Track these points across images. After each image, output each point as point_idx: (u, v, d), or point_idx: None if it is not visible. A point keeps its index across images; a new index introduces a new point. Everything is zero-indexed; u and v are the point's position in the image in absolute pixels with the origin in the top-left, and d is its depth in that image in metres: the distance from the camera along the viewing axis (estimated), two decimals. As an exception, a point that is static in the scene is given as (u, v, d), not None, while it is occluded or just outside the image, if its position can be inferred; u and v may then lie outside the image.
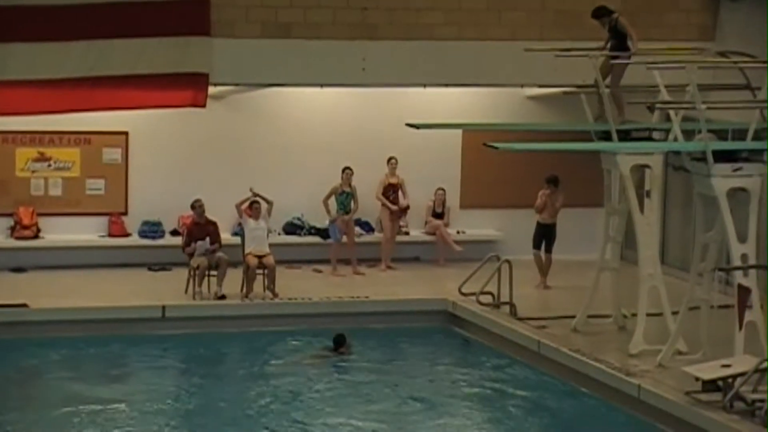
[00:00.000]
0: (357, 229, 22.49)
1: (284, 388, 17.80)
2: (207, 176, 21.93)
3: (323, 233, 22.54)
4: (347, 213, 22.01)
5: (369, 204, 22.37)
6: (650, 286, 17.98)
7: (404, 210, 22.46)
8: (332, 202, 22.00)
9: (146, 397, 17.39)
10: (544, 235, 21.41)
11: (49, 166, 21.84)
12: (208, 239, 20.40)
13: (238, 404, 17.15)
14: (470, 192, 23.18)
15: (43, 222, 21.76)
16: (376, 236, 22.69)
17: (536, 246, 21.41)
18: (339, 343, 19.21)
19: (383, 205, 22.38)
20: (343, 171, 21.93)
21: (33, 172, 21.82)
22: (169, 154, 22.10)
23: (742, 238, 16.85)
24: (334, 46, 20.91)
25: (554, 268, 21.51)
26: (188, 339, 19.72)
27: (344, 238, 22.06)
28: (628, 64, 18.38)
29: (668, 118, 18.23)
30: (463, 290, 20.59)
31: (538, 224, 21.44)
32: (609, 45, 18.77)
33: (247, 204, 20.79)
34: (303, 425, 16.40)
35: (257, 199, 20.77)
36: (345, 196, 22.02)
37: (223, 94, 21.82)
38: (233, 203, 20.97)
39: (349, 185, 22.02)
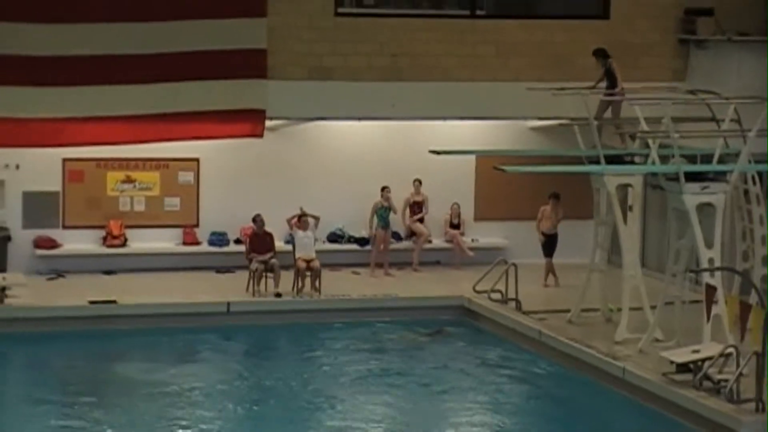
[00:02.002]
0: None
1: (327, 370, 17.86)
2: (264, 194, 21.87)
3: (360, 242, 22.54)
4: (386, 225, 21.95)
5: (397, 218, 22.30)
6: (632, 285, 17.97)
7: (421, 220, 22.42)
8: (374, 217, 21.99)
9: (214, 378, 17.46)
10: (550, 243, 21.30)
11: (134, 186, 21.87)
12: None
13: (289, 384, 17.20)
14: (482, 207, 23.07)
15: (129, 233, 21.79)
16: (404, 244, 22.62)
17: (547, 254, 21.20)
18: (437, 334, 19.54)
19: (410, 218, 22.45)
20: (382, 190, 21.88)
21: (121, 191, 21.83)
22: (232, 177, 22.10)
23: (709, 245, 16.84)
24: (368, 87, 20.91)
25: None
26: (249, 330, 19.75)
27: (381, 246, 22.05)
28: (622, 100, 18.38)
29: (647, 145, 18.19)
30: (477, 289, 20.54)
31: (544, 234, 21.31)
32: (605, 85, 18.76)
33: (296, 218, 20.87)
34: (339, 400, 16.48)
35: (305, 213, 20.84)
36: (384, 210, 21.97)
37: (277, 127, 21.81)
38: (285, 217, 21.03)
39: (388, 201, 21.99)
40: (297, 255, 20.61)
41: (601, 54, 19.01)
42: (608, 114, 18.91)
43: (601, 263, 18.89)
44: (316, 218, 21.02)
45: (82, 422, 15.51)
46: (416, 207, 22.49)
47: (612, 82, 18.77)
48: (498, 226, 22.93)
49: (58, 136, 20.22)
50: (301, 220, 20.81)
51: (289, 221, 20.98)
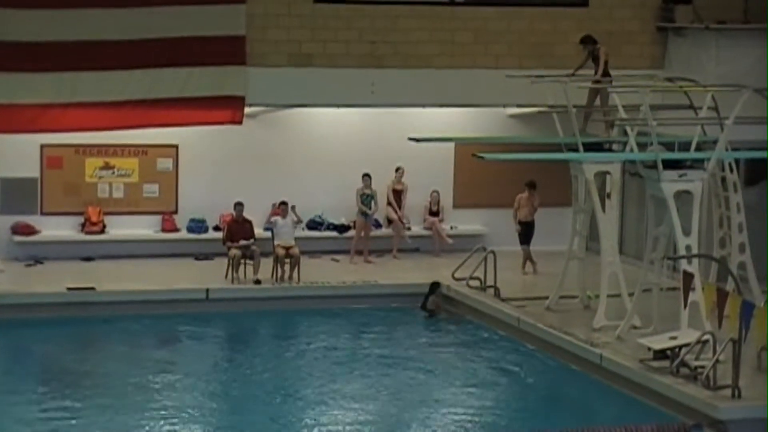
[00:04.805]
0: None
1: (306, 356, 17.88)
2: (243, 181, 21.86)
3: (339, 228, 22.53)
4: (366, 213, 21.95)
5: (382, 207, 22.33)
6: (610, 272, 18.00)
7: (399, 220, 22.38)
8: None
9: (193, 365, 17.46)
10: (527, 232, 21.35)
11: (113, 173, 21.80)
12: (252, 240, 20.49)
13: (266, 370, 17.20)
14: (461, 194, 23.09)
15: (107, 219, 21.73)
16: (384, 231, 22.61)
17: (524, 242, 21.29)
18: (433, 289, 19.82)
19: (390, 206, 22.41)
20: (363, 177, 21.88)
21: (100, 178, 21.76)
22: (211, 164, 22.04)
23: (686, 232, 16.88)
24: (348, 74, 20.91)
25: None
26: (227, 316, 19.76)
27: (362, 233, 22.05)
28: (605, 88, 18.40)
29: (625, 133, 18.22)
30: (456, 276, 20.55)
31: (521, 223, 21.36)
32: (593, 72, 18.74)
33: (276, 205, 20.84)
34: (319, 386, 16.49)
35: (285, 200, 20.83)
36: (365, 197, 21.99)
37: (256, 114, 21.78)
38: (265, 204, 21.00)
39: (370, 188, 22.00)
40: (276, 242, 20.58)
41: (588, 41, 18.99)
42: (597, 102, 18.92)
43: (579, 250, 18.93)
44: (300, 221, 20.98)
45: (58, 409, 15.48)
46: (395, 195, 22.45)
47: (605, 69, 18.76)
48: (477, 213, 22.93)
49: (37, 122, 20.18)
50: (281, 207, 20.80)
51: (268, 221, 20.98)
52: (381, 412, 15.82)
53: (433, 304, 20.09)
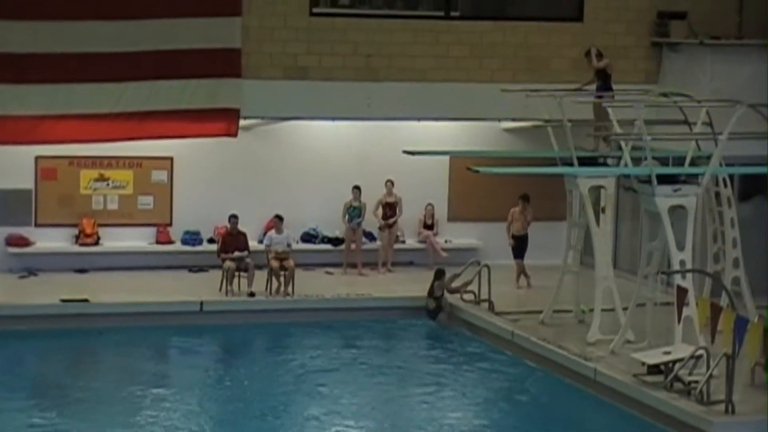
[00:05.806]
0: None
1: (299, 369, 17.83)
2: (237, 194, 21.88)
3: (334, 241, 22.52)
4: (356, 225, 21.91)
5: (370, 217, 22.31)
6: (604, 286, 18.02)
7: (390, 225, 22.33)
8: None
9: (186, 378, 17.41)
10: (520, 245, 21.35)
11: (108, 185, 21.79)
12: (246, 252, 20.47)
13: (259, 383, 17.16)
14: (456, 207, 23.10)
15: (102, 231, 21.72)
16: (378, 244, 22.60)
17: (517, 256, 21.28)
18: (438, 276, 20.01)
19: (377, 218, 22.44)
20: (353, 189, 21.89)
21: (94, 189, 21.75)
22: (206, 176, 22.05)
23: (680, 247, 16.88)
24: (343, 87, 20.92)
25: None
26: (221, 329, 19.73)
27: (352, 245, 22.04)
28: (611, 102, 18.40)
29: (620, 147, 18.24)
30: (450, 288, 20.49)
31: (514, 237, 21.36)
32: (596, 85, 18.76)
33: (270, 219, 20.83)
34: (312, 399, 16.46)
35: (279, 214, 20.80)
36: (352, 210, 21.99)
37: (251, 126, 21.79)
38: (259, 216, 20.95)
39: (359, 201, 21.99)
40: (270, 255, 20.53)
41: (596, 52, 18.99)
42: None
43: (573, 264, 18.95)
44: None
45: (49, 422, 15.42)
46: (388, 208, 22.40)
47: (605, 82, 18.74)
48: (471, 226, 22.93)
49: (32, 133, 20.17)
50: (274, 221, 20.78)
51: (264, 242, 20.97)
52: (374, 426, 15.77)
53: (440, 290, 20.05)
